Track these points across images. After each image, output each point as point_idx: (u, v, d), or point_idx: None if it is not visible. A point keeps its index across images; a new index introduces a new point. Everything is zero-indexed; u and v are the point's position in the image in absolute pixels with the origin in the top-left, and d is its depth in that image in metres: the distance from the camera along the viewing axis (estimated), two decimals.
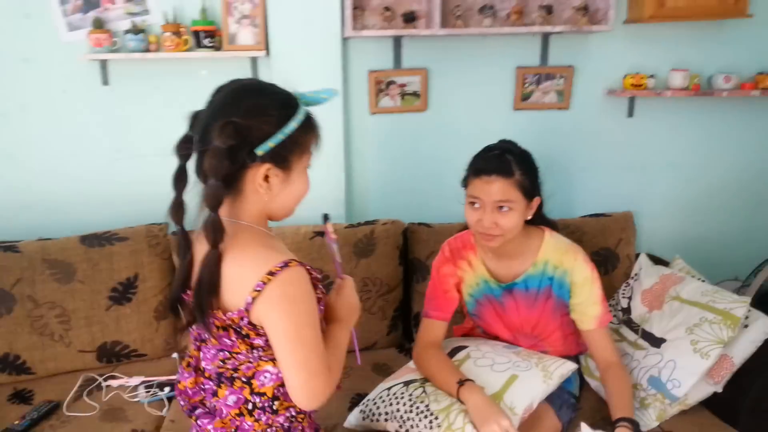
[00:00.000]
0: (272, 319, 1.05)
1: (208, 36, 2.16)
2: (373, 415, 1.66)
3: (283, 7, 2.17)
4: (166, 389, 1.92)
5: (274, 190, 1.09)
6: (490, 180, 1.53)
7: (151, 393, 1.91)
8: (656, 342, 1.81)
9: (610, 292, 2.12)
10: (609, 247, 2.20)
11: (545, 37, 2.35)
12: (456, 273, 1.75)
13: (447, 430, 1.48)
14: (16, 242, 2.05)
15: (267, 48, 2.21)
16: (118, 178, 2.34)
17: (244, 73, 2.28)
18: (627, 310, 2.01)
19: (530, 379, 1.59)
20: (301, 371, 1.06)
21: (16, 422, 1.75)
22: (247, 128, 1.03)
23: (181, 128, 1.12)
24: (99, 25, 2.13)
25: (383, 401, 1.66)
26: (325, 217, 1.31)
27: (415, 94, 2.36)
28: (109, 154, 2.32)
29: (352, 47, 2.31)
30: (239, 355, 1.12)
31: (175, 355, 2.14)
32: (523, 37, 2.35)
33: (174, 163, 1.10)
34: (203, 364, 1.19)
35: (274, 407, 1.15)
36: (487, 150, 1.62)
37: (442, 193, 2.42)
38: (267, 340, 1.08)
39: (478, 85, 2.39)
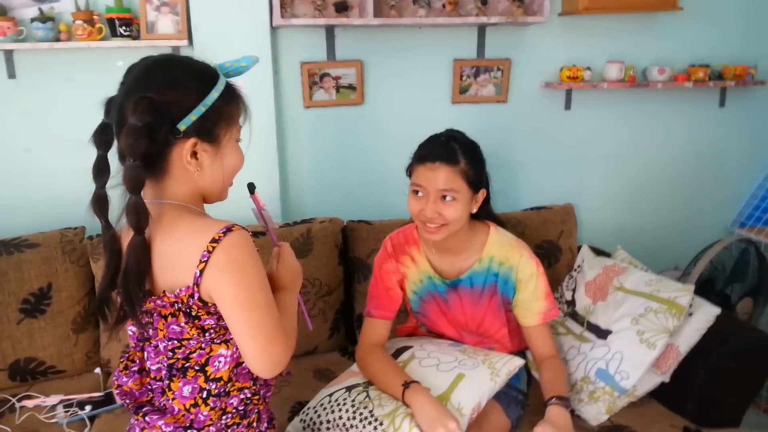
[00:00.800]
0: (223, 288, 0.98)
1: (123, 24, 2.00)
2: (314, 423, 1.55)
3: None
4: (88, 407, 1.76)
5: (204, 166, 1.03)
6: (434, 167, 1.46)
7: (70, 413, 1.74)
8: (602, 334, 1.78)
9: (554, 285, 2.09)
10: (551, 240, 2.16)
11: (481, 29, 2.31)
12: (398, 269, 1.67)
13: None
14: None
15: (189, 37, 2.07)
16: (28, 179, 2.13)
17: None
18: (571, 303, 1.98)
19: (477, 378, 1.52)
20: (258, 337, 1.00)
21: None
22: (164, 103, 0.97)
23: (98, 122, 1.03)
24: (2, 12, 1.94)
25: (324, 408, 1.55)
26: (251, 187, 1.24)
27: (351, 87, 2.27)
28: (17, 153, 2.11)
29: (282, 37, 2.19)
30: (190, 342, 1.04)
31: (97, 370, 1.97)
32: (459, 29, 2.30)
33: (93, 158, 1.01)
34: (148, 364, 1.11)
35: (227, 389, 1.07)
36: (433, 138, 1.56)
37: (381, 188, 2.35)
38: (218, 319, 1.03)
39: (416, 78, 2.32)
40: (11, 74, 2.04)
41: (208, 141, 1.02)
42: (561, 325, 1.93)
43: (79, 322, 1.94)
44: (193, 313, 1.01)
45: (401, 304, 1.72)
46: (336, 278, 2.07)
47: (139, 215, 0.96)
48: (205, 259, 0.96)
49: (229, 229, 0.99)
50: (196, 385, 1.06)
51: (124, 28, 2.00)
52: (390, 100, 2.33)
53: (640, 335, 1.68)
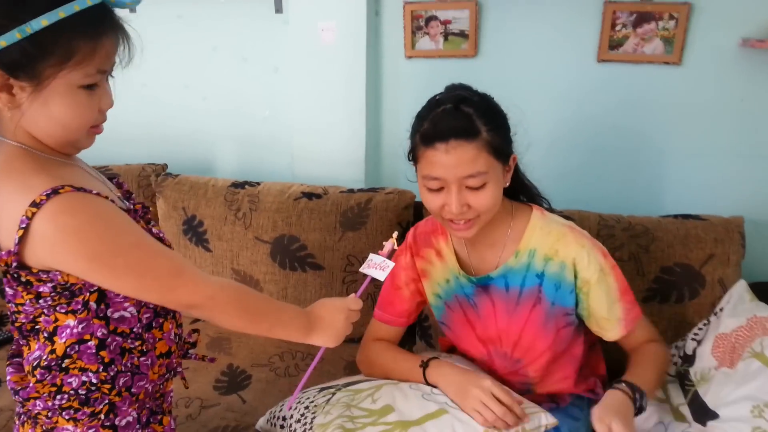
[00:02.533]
0: (67, 263, 0.84)
1: None
2: (275, 419, 1.32)
3: None
4: None
5: (23, 108, 0.84)
6: (448, 148, 1.08)
7: None
8: (704, 415, 1.17)
9: (681, 328, 1.47)
10: (691, 264, 1.51)
11: None
12: (415, 265, 1.33)
13: None
14: None
15: None
16: (139, 113, 2.21)
17: (265, 2, 1.98)
18: (689, 359, 1.35)
19: (465, 425, 1.11)
20: (149, 289, 0.88)
21: None
22: None
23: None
24: None
25: (294, 409, 1.30)
26: (397, 235, 1.14)
27: (462, 35, 1.85)
28: (134, 86, 2.19)
29: None
30: (25, 307, 0.90)
31: None
32: None
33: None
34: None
35: (63, 366, 0.91)
36: (435, 105, 1.14)
37: None
38: (55, 287, 0.87)
39: (548, 25, 1.79)
40: (132, 9, 2.10)
41: (22, 76, 0.81)
42: (662, 389, 1.33)
43: None
44: (23, 279, 0.86)
45: (419, 309, 1.40)
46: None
47: None
48: (24, 225, 0.80)
49: (55, 191, 0.81)
50: (41, 353, 0.91)
51: None
52: (511, 54, 1.85)
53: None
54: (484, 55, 1.87)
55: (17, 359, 0.98)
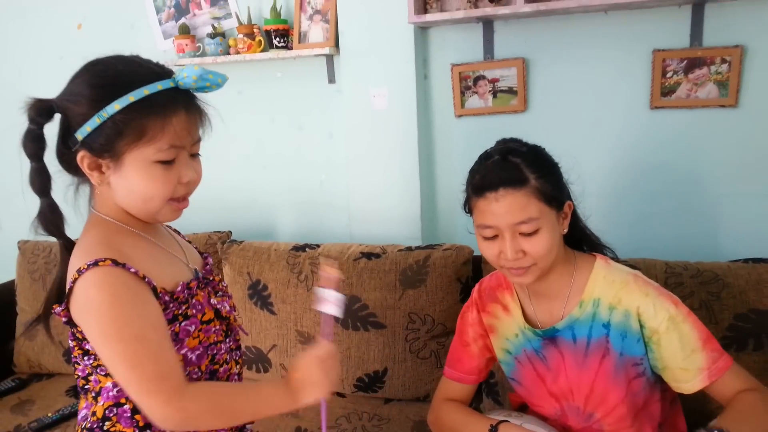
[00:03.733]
0: (85, 327, 0.93)
1: (279, 35, 2.02)
2: None
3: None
4: None
5: (112, 182, 0.95)
6: (498, 196, 1.11)
7: None
8: None
9: (763, 378, 1.39)
10: (766, 311, 1.44)
11: (697, 7, 1.69)
12: (482, 321, 1.33)
13: None
14: None
15: (337, 44, 1.98)
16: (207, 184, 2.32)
17: (318, 72, 2.08)
18: None
19: None
20: (128, 387, 0.91)
21: None
22: (62, 109, 0.94)
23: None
24: (185, 30, 2.14)
25: None
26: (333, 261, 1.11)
27: (511, 91, 1.89)
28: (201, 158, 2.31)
29: (433, 37, 1.95)
30: (78, 364, 0.99)
31: None
32: (661, 10, 1.72)
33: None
34: None
35: (104, 427, 0.96)
36: (485, 158, 1.19)
37: None
38: None
39: (598, 77, 1.82)
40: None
41: (106, 155, 0.92)
42: None
43: None
44: (76, 335, 0.95)
45: (490, 367, 1.38)
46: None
47: (44, 217, 0.95)
48: (71, 286, 0.91)
49: (96, 263, 0.90)
50: (87, 412, 0.98)
51: (278, 39, 2.02)
52: (561, 106, 1.87)
53: None
54: (534, 109, 1.90)
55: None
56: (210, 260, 1.15)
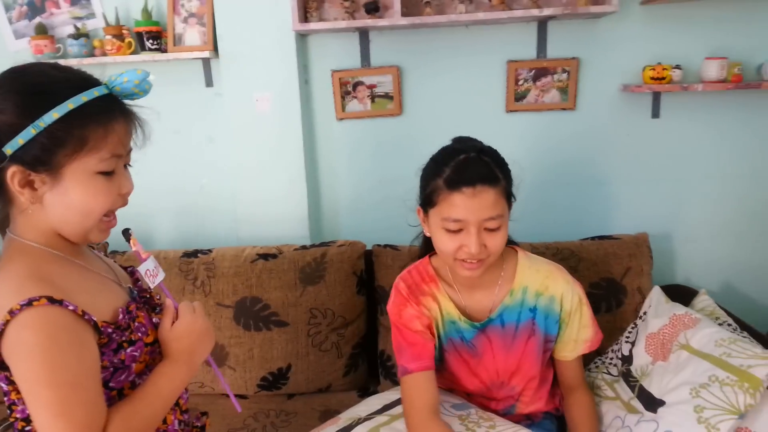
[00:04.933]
0: (14, 369, 0.85)
1: (151, 37, 1.96)
2: None
3: (229, 4, 1.94)
4: None
5: (45, 200, 0.88)
6: (476, 192, 1.17)
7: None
8: (653, 404, 1.37)
9: (614, 334, 1.70)
10: (613, 278, 1.76)
11: (542, 24, 1.97)
12: (423, 313, 1.35)
13: None
14: None
15: (215, 48, 1.98)
16: None
17: (195, 76, 2.06)
18: (628, 359, 1.57)
19: None
20: (52, 427, 0.83)
21: None
22: None
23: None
24: (42, 30, 1.99)
25: None
26: (126, 233, 1.03)
27: (388, 96, 2.05)
28: None
29: (313, 44, 2.04)
30: (17, 404, 0.90)
31: None
32: (513, 26, 1.98)
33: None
34: None
35: None
36: (454, 153, 1.24)
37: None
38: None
39: (462, 84, 2.04)
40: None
41: (41, 169, 0.85)
42: (609, 387, 1.54)
43: None
44: (10, 377, 0.87)
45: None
46: (354, 309, 1.85)
47: None
48: (1, 329, 0.83)
49: (29, 303, 0.82)
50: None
51: (151, 41, 1.97)
52: (432, 110, 2.07)
53: (698, 412, 1.27)
54: (409, 112, 2.07)
55: None
56: (138, 274, 1.08)
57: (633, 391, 1.47)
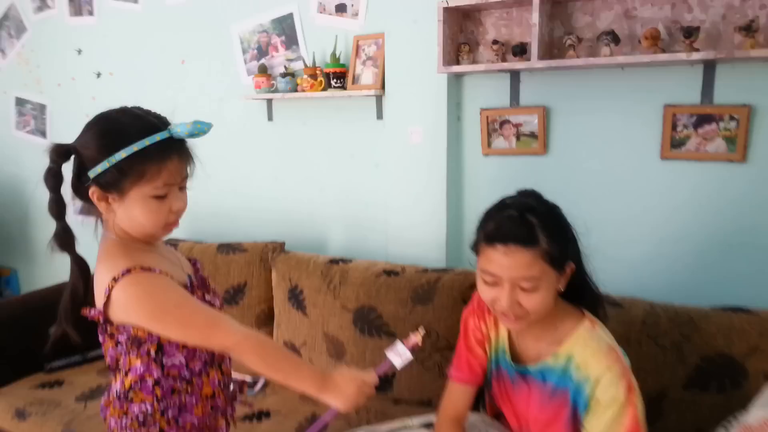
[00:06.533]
0: (135, 319, 1.17)
1: (336, 77, 2.34)
2: None
3: (396, 48, 2.21)
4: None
5: (117, 212, 1.19)
6: (507, 251, 1.19)
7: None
8: None
9: (721, 417, 1.49)
10: (732, 356, 1.53)
11: (709, 68, 1.80)
12: (482, 328, 1.44)
13: None
14: (180, 240, 2.58)
15: (383, 86, 2.27)
16: (274, 201, 2.70)
17: (369, 110, 2.38)
18: None
19: None
20: (191, 340, 1.18)
21: None
22: (78, 154, 1.17)
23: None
24: (263, 70, 2.53)
25: None
26: (425, 332, 1.34)
27: (533, 135, 2.08)
28: (269, 180, 2.69)
29: (468, 84, 2.18)
30: (109, 351, 1.25)
31: None
32: (673, 68, 1.84)
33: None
34: None
35: (129, 396, 1.24)
36: (502, 207, 1.28)
37: None
38: (128, 338, 1.20)
39: (612, 128, 1.96)
40: (270, 117, 2.63)
41: (112, 191, 1.16)
42: None
43: (262, 318, 2.36)
44: (108, 331, 1.21)
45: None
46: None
47: (59, 238, 1.20)
48: (107, 294, 1.15)
49: (128, 270, 1.15)
50: (117, 385, 1.25)
51: (335, 80, 2.34)
52: (578, 152, 2.03)
53: None
54: (553, 153, 2.07)
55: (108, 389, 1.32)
56: (199, 265, 1.41)
57: None
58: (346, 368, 1.25)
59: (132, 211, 1.18)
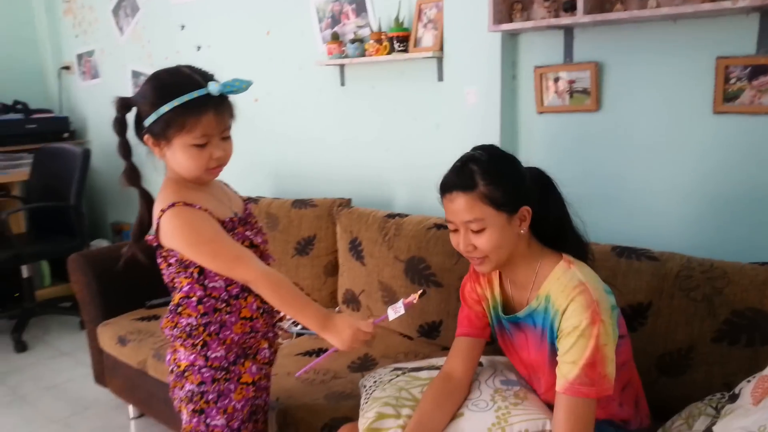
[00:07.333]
0: (174, 245, 1.39)
1: (399, 41, 2.45)
2: (362, 387, 1.71)
3: (454, 9, 2.28)
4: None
5: (166, 157, 1.40)
6: (452, 197, 1.35)
7: (299, 327, 2.39)
8: None
9: (749, 371, 1.48)
10: (764, 310, 1.50)
11: (766, 16, 1.71)
12: (476, 290, 1.56)
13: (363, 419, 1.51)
14: (261, 197, 2.84)
15: (441, 48, 2.35)
16: (345, 159, 2.88)
17: (430, 72, 2.47)
18: (734, 397, 1.38)
19: (475, 418, 1.42)
20: (220, 269, 1.38)
21: None
22: (137, 106, 1.39)
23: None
24: (335, 37, 2.69)
25: (375, 381, 1.69)
26: (423, 293, 1.46)
27: (585, 92, 2.08)
28: (341, 142, 2.88)
29: (523, 43, 2.21)
30: (163, 272, 1.49)
31: (337, 308, 2.55)
32: (726, 19, 1.78)
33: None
34: None
35: (178, 311, 1.47)
36: (455, 163, 1.41)
37: (614, 207, 2.07)
38: (177, 260, 1.42)
39: (663, 82, 1.92)
40: (342, 82, 2.80)
41: (160, 139, 1.35)
42: (712, 407, 1.41)
43: (329, 268, 2.57)
44: (162, 254, 1.44)
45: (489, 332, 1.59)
46: None
47: (126, 174, 1.43)
48: (157, 223, 1.38)
49: (172, 205, 1.36)
50: (172, 303, 1.49)
51: (398, 44, 2.46)
52: (630, 108, 2.01)
53: None
54: (605, 109, 2.06)
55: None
56: (249, 207, 1.60)
57: (710, 419, 1.33)
58: (348, 315, 1.41)
59: (177, 156, 1.37)
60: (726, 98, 1.82)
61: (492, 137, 2.25)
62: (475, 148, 1.42)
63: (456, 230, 1.37)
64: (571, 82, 2.11)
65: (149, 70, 1.52)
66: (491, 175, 1.32)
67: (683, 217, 1.95)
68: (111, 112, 1.42)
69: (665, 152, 1.96)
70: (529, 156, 2.28)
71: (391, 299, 2.24)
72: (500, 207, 1.31)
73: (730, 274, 1.57)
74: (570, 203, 1.46)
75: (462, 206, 1.32)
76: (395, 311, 1.42)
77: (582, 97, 2.10)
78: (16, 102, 4.31)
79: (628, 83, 2.00)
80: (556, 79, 2.14)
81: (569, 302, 1.28)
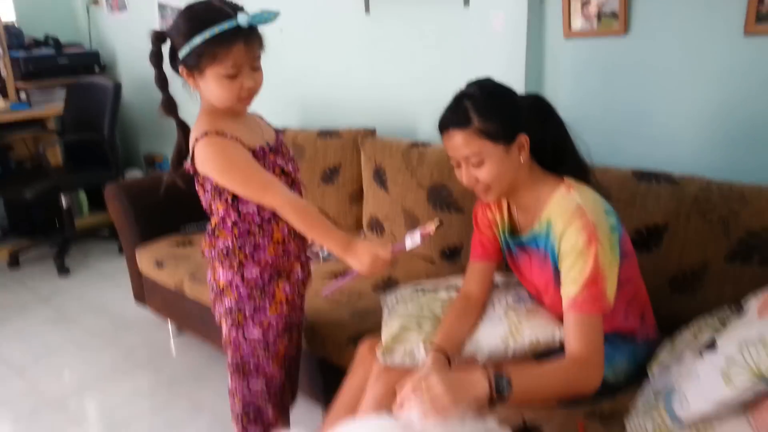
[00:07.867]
0: (207, 171, 1.47)
1: None
2: (384, 304, 1.80)
3: None
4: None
5: (200, 88, 1.45)
6: (449, 135, 1.40)
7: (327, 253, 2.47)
8: (706, 348, 1.30)
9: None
10: None
11: None
12: (488, 215, 1.62)
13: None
14: (288, 128, 2.89)
15: None
16: (369, 90, 2.89)
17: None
18: (740, 311, 1.43)
19: (489, 329, 1.51)
20: (249, 195, 1.45)
21: None
22: (171, 39, 1.42)
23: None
24: None
25: (397, 298, 1.78)
26: (440, 224, 1.46)
27: (613, 15, 2.04)
28: (359, 71, 2.89)
29: None
30: (201, 197, 1.58)
31: (362, 234, 2.63)
32: None
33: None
34: None
35: (215, 234, 1.57)
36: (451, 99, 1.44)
37: (636, 136, 2.08)
38: (212, 185, 1.50)
39: (693, 3, 1.87)
40: (367, 9, 2.78)
41: (194, 70, 1.40)
42: (720, 321, 1.47)
43: (354, 196, 2.63)
44: (199, 180, 1.52)
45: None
46: None
47: (165, 106, 1.49)
48: (192, 150, 1.45)
49: (205, 134, 1.41)
50: (209, 225, 1.58)
51: None
52: (659, 32, 1.97)
53: (728, 364, 1.18)
54: (633, 32, 2.02)
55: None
56: (281, 137, 1.65)
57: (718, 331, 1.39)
58: (368, 241, 1.46)
59: (209, 87, 1.42)
60: (759, 18, 1.77)
61: (517, 66, 2.24)
62: (469, 84, 1.45)
63: (459, 165, 1.43)
64: (600, 4, 2.06)
65: (176, 2, 1.55)
66: (485, 109, 1.36)
67: (707, 141, 1.94)
68: (140, 45, 1.46)
69: (692, 75, 1.93)
70: (556, 83, 2.27)
71: (414, 225, 2.30)
72: (497, 139, 1.36)
73: (747, 195, 1.59)
74: (570, 126, 1.50)
75: (460, 142, 1.37)
76: (412, 240, 1.46)
77: (610, 21, 2.06)
78: (48, 36, 4.37)
79: (657, 5, 1.95)
80: (585, 3, 2.10)
81: (567, 226, 1.34)
